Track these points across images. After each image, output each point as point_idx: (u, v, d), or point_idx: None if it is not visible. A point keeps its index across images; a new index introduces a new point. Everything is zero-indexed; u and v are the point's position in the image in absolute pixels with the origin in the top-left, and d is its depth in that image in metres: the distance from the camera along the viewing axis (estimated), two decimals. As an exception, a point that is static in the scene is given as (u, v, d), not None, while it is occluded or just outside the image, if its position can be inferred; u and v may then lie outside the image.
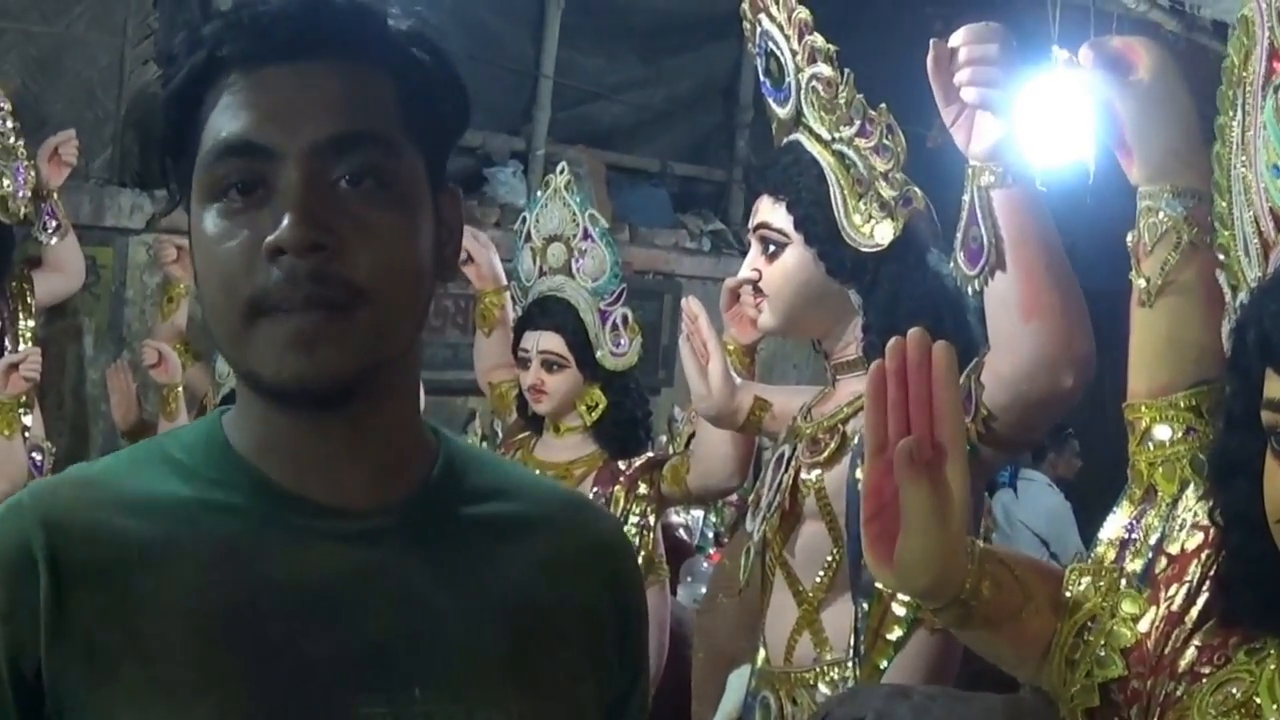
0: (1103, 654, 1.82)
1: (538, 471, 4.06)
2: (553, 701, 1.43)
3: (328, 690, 1.32)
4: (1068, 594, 1.91)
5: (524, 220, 4.29)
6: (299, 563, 1.36)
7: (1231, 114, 1.69)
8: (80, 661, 1.29)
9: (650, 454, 4.18)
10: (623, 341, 4.11)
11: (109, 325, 6.35)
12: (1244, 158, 1.67)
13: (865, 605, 2.69)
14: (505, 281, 4.49)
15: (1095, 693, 1.81)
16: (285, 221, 1.29)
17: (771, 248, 2.87)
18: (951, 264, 2.44)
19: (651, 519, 4.05)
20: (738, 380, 3.32)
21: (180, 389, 5.27)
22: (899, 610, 2.65)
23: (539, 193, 4.31)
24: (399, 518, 1.41)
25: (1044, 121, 2.82)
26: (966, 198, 2.32)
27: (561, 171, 4.26)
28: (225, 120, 1.33)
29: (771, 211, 2.87)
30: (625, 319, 4.12)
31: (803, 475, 2.84)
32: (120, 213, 6.32)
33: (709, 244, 8.80)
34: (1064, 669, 1.86)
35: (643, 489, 4.05)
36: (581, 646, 1.48)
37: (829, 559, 2.81)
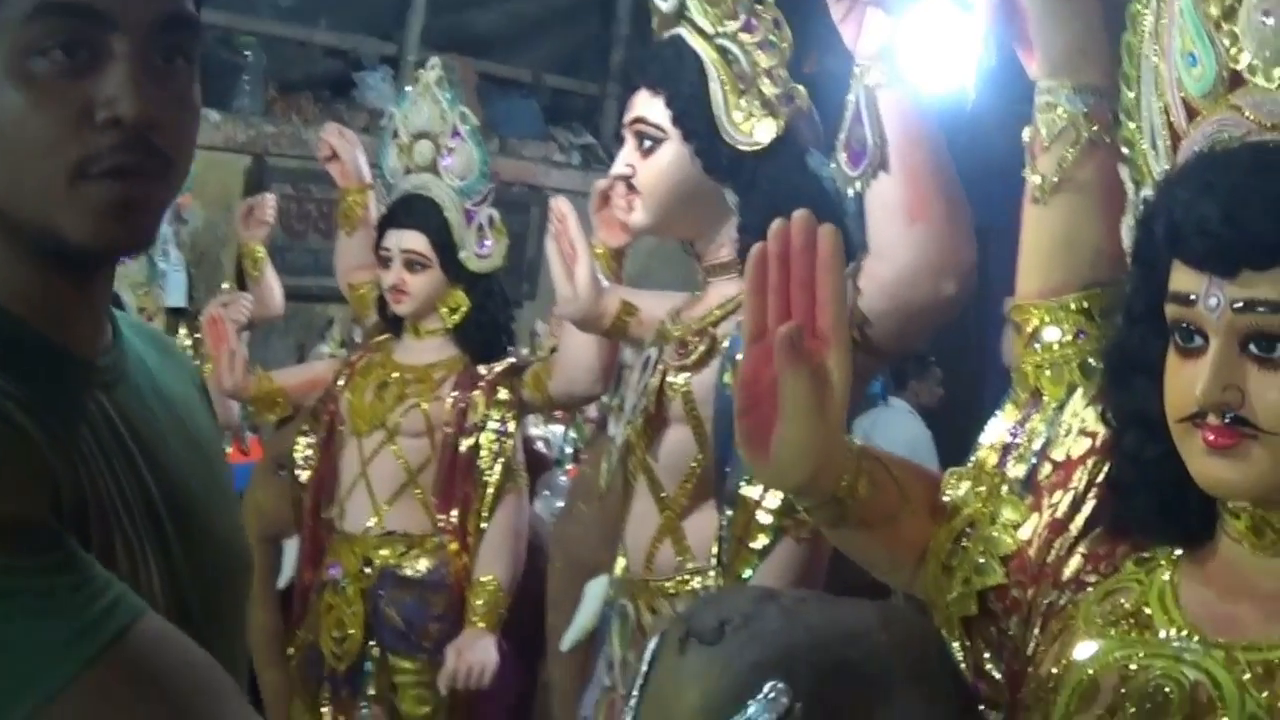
0: (981, 561, 1.75)
1: (395, 374, 3.98)
2: (219, 467, 1.65)
3: (155, 522, 1.43)
4: (946, 498, 1.83)
5: (391, 117, 4.16)
6: (100, 409, 1.43)
7: (1145, 2, 1.62)
8: None
9: (512, 359, 4.09)
10: (487, 243, 4.02)
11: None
12: (1156, 46, 1.60)
13: (729, 513, 2.61)
14: (370, 180, 4.37)
15: (973, 600, 1.74)
16: (125, 93, 1.32)
17: (647, 143, 2.76)
18: (832, 165, 2.36)
19: (511, 425, 3.98)
20: (604, 284, 3.23)
21: None
22: (764, 518, 2.56)
23: (409, 89, 4.18)
24: (118, 366, 1.50)
25: (927, 42, 2.74)
26: (851, 97, 2.25)
27: (433, 67, 4.14)
28: None
29: (648, 106, 2.76)
30: (491, 220, 4.02)
31: (669, 378, 2.75)
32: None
33: (579, 158, 8.70)
34: (940, 575, 1.79)
35: (503, 394, 3.97)
36: (221, 452, 1.76)
37: (693, 465, 2.73)
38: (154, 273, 5.27)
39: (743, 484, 2.58)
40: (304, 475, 4.14)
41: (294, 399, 4.39)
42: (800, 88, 2.69)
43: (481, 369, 4.02)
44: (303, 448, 4.17)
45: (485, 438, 3.95)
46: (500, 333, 4.10)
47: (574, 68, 9.10)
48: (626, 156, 2.81)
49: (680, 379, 2.73)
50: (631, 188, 2.80)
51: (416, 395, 3.99)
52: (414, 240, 3.96)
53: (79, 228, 1.35)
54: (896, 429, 8.22)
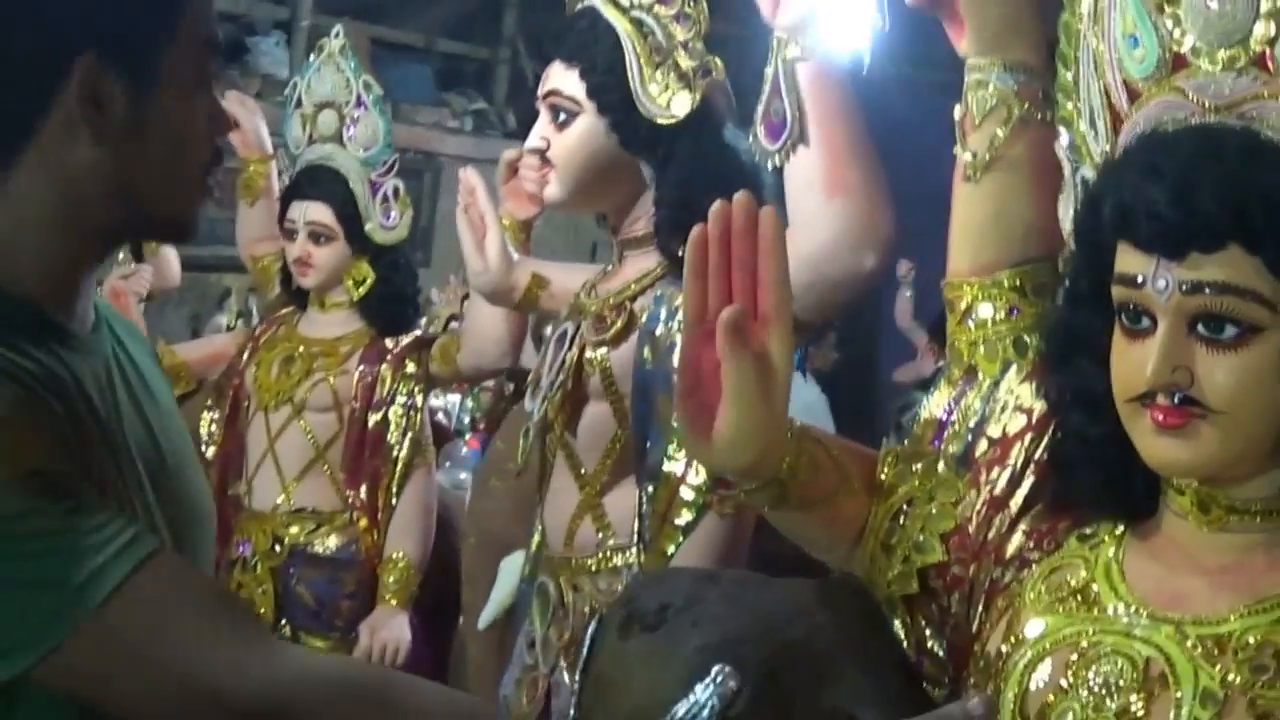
0: (921, 539, 1.74)
1: (301, 348, 3.94)
2: (183, 431, 1.84)
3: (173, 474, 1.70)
4: (882, 476, 1.83)
5: (294, 86, 4.10)
6: (98, 382, 1.64)
7: (1083, -19, 1.61)
8: None
9: (418, 332, 4.06)
10: (393, 214, 3.99)
11: None
12: (1096, 28, 1.59)
13: (650, 489, 2.60)
14: (271, 150, 4.31)
15: (914, 578, 1.74)
16: (219, 110, 1.69)
17: (562, 116, 2.73)
18: (750, 138, 2.33)
19: (419, 399, 3.96)
20: (515, 256, 3.21)
21: None
22: (687, 494, 2.55)
23: (312, 57, 4.12)
24: (99, 339, 1.70)
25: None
26: (770, 70, 2.23)
27: (336, 36, 4.09)
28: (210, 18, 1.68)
29: (563, 78, 2.74)
30: (396, 191, 3.99)
31: (588, 354, 2.73)
32: None
33: (471, 124, 8.65)
34: (879, 553, 1.78)
35: (410, 368, 3.94)
36: (169, 391, 1.87)
37: (612, 440, 2.71)
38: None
39: (665, 460, 2.57)
40: (209, 452, 4.08)
41: (197, 373, 4.34)
42: (717, 60, 2.67)
43: (388, 342, 3.99)
44: (207, 424, 4.10)
45: (394, 412, 3.92)
46: (406, 305, 4.07)
47: (466, 32, 9.04)
48: (541, 130, 2.78)
49: (599, 354, 2.72)
50: (546, 161, 2.77)
51: (323, 369, 3.95)
52: (319, 212, 3.92)
53: (194, 212, 1.68)
54: (792, 394, 8.21)
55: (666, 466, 2.57)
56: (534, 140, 2.78)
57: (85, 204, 1.60)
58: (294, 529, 3.91)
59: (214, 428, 4.09)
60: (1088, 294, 1.51)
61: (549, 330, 2.99)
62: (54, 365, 1.56)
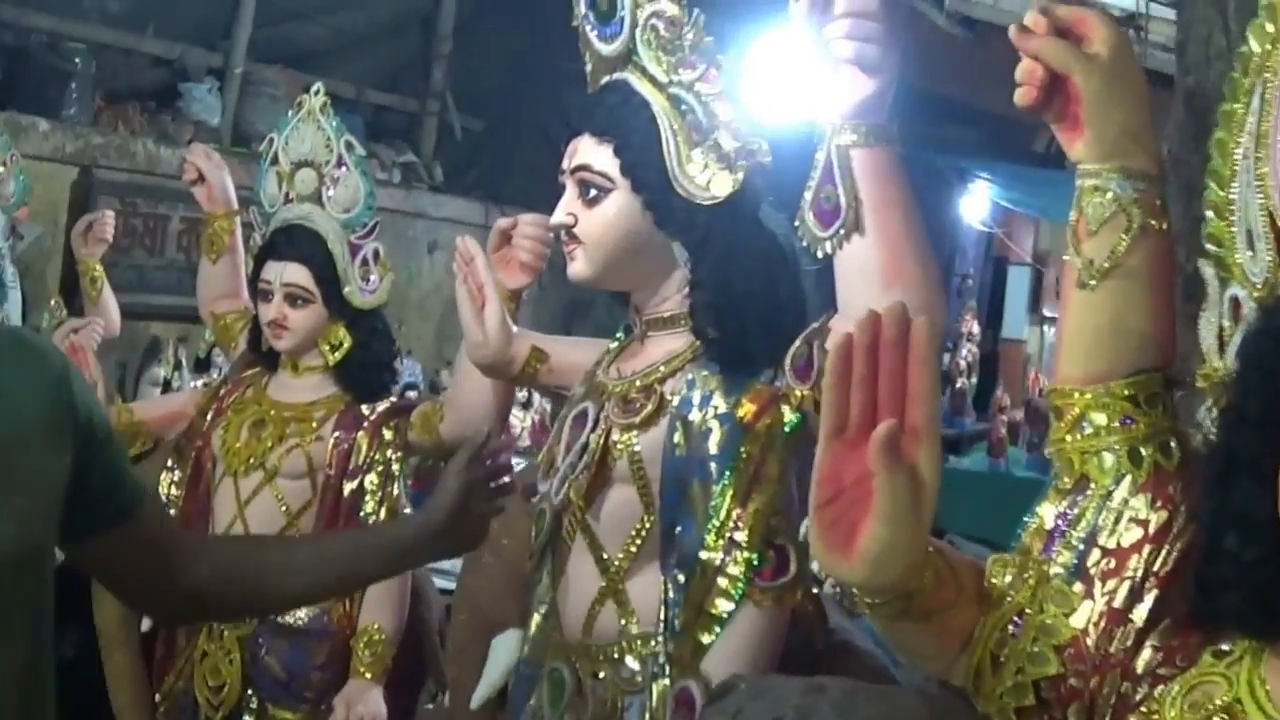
0: (1035, 650, 1.71)
1: (272, 412, 3.84)
2: (36, 490, 1.89)
3: None
4: (990, 585, 1.79)
5: (270, 142, 4.01)
6: None
7: (1245, 102, 1.59)
8: None
9: (394, 399, 3.96)
10: (373, 278, 3.89)
11: None
12: (1261, 150, 1.56)
13: (682, 577, 2.54)
14: (236, 205, 4.22)
15: (1029, 690, 1.70)
16: None
17: (592, 192, 2.67)
18: (797, 222, 2.28)
19: (396, 468, 3.84)
20: (514, 328, 3.14)
21: None
22: (724, 584, 2.50)
23: (290, 113, 4.03)
24: None
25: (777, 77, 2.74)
26: (821, 155, 2.19)
27: (316, 93, 3.99)
28: None
29: (594, 153, 2.68)
30: (376, 254, 3.90)
31: (615, 436, 2.67)
32: None
33: (399, 175, 8.57)
34: (988, 664, 1.74)
35: (388, 435, 3.84)
36: (44, 445, 1.92)
37: (638, 526, 2.65)
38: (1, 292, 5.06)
39: (702, 549, 2.52)
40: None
41: (154, 432, 4.22)
42: (762, 141, 2.62)
43: (364, 408, 3.88)
44: (167, 485, 3.96)
45: (369, 480, 3.80)
46: (384, 371, 3.95)
47: (395, 84, 8.98)
48: (568, 204, 2.72)
49: (627, 437, 2.65)
50: (573, 237, 2.71)
51: (296, 435, 3.84)
52: (296, 273, 3.82)
53: None
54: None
55: (703, 555, 2.52)
56: (561, 215, 2.72)
57: None
58: (265, 603, 3.77)
59: (174, 490, 3.96)
60: (1257, 417, 1.48)
61: (564, 409, 2.92)
62: None
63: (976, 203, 13.47)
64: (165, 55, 7.42)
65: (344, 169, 3.88)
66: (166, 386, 6.39)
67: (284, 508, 3.81)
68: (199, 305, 4.36)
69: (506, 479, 2.65)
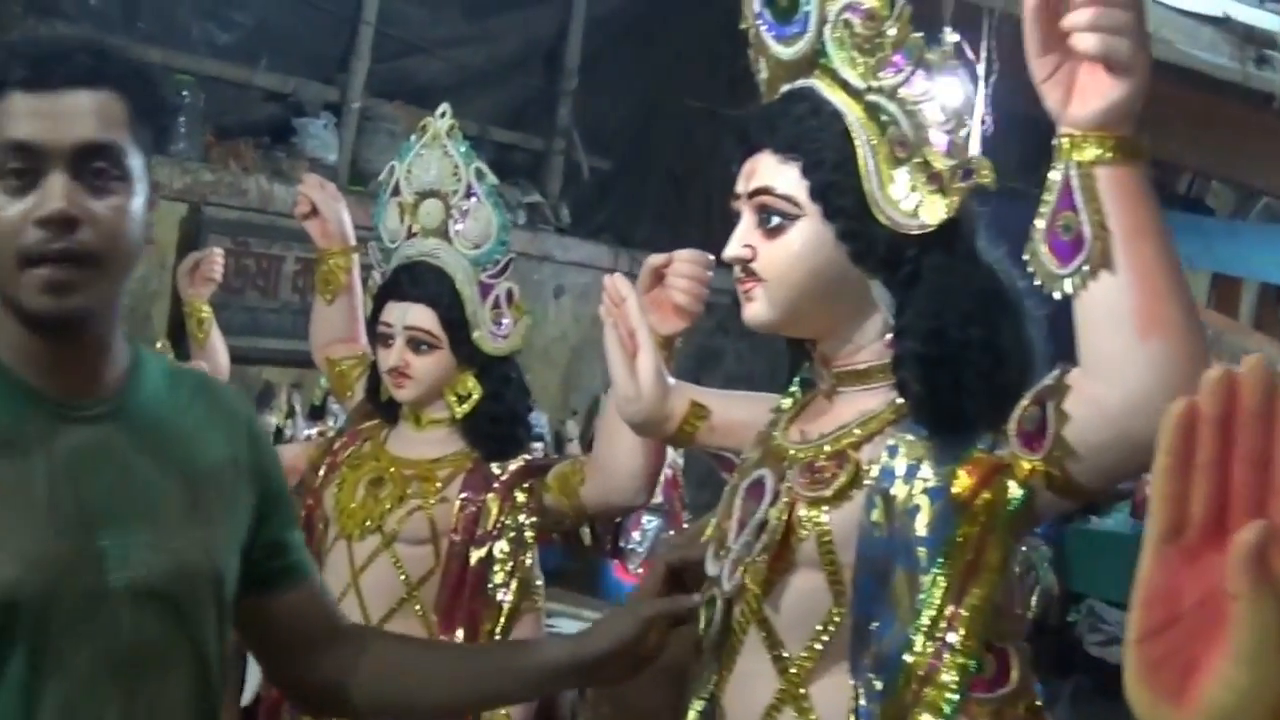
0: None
1: (392, 469, 3.45)
2: (221, 524, 2.10)
3: (75, 529, 1.91)
4: None
5: (390, 170, 3.63)
6: (51, 441, 1.93)
7: None
8: None
9: (528, 457, 3.54)
10: (505, 321, 3.50)
11: None
12: None
13: (879, 684, 2.11)
14: (354, 241, 3.84)
15: None
16: (50, 201, 1.86)
17: (775, 220, 2.24)
18: (1026, 256, 1.88)
19: (529, 535, 3.43)
20: (671, 380, 2.74)
21: None
22: (934, 694, 2.06)
23: (413, 139, 3.65)
24: (112, 406, 2.01)
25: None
26: (1057, 175, 1.82)
27: (442, 115, 3.61)
28: (11, 124, 1.89)
29: (776, 174, 2.24)
30: (510, 295, 3.50)
31: (799, 512, 2.24)
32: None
33: (524, 217, 8.22)
34: None
35: (521, 498, 3.43)
36: (231, 480, 2.13)
37: (825, 620, 2.22)
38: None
39: (906, 651, 2.08)
40: (276, 578, 3.59)
41: None
42: (983, 159, 2.18)
43: (494, 468, 3.48)
44: (275, 546, 3.60)
45: (499, 549, 3.40)
46: (517, 425, 3.55)
47: (519, 121, 8.65)
48: (745, 235, 2.29)
49: (814, 514, 2.22)
50: (751, 274, 2.28)
51: (419, 496, 3.45)
52: (421, 316, 3.43)
53: (28, 301, 1.90)
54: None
55: (907, 658, 2.07)
56: (736, 248, 2.29)
57: None
58: (379, 678, 3.38)
59: (280, 552, 3.59)
60: None
61: (735, 477, 2.50)
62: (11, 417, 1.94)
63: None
64: (279, 89, 7.15)
65: (474, 199, 3.51)
66: (279, 435, 6.08)
67: (403, 576, 3.43)
68: (312, 350, 4.01)
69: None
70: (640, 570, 6.78)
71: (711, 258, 2.87)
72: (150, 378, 2.10)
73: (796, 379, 2.55)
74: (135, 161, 1.96)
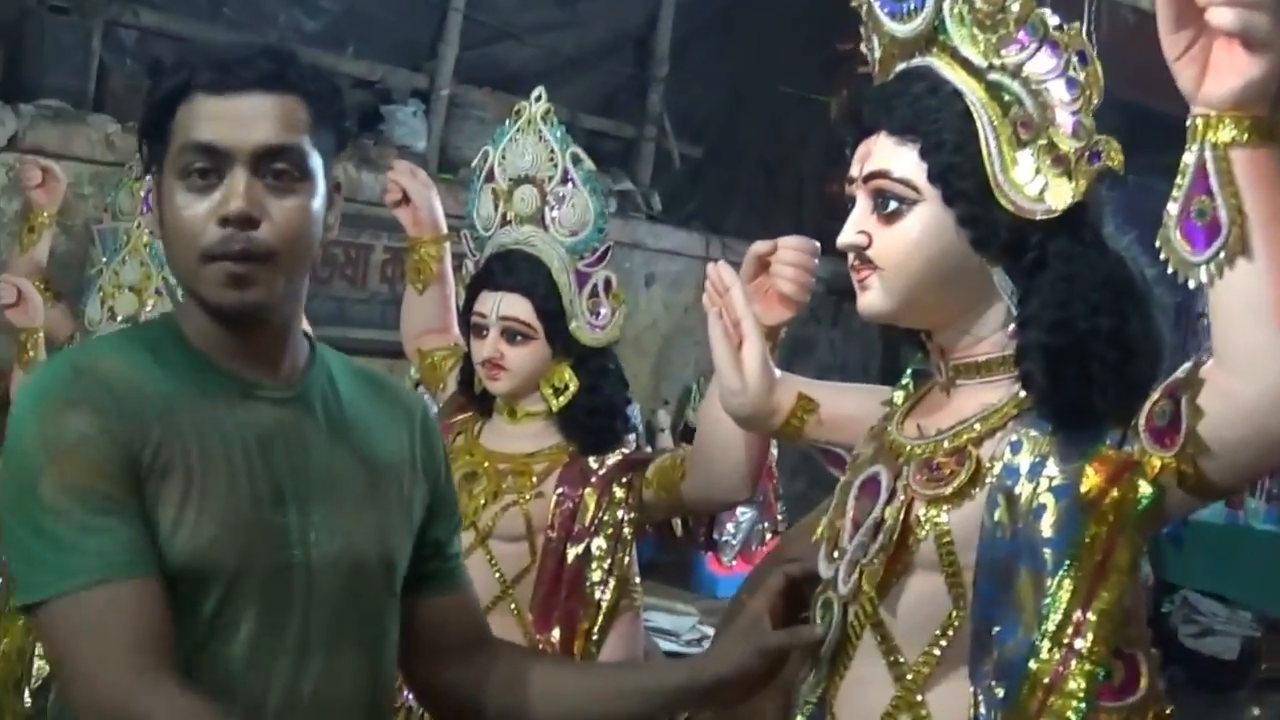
0: None
1: (486, 464, 3.36)
2: (395, 511, 2.21)
3: (264, 502, 2.03)
4: None
5: (484, 156, 3.54)
6: (241, 417, 2.05)
7: None
8: (154, 473, 1.96)
9: (625, 451, 3.45)
10: (603, 311, 3.40)
11: (-43, 255, 5.48)
12: None
13: (1000, 691, 2.02)
14: (445, 229, 3.75)
15: None
16: (232, 201, 1.97)
17: (892, 205, 2.13)
18: (1158, 242, 1.78)
19: (628, 532, 3.33)
20: (777, 372, 2.64)
21: (40, 334, 4.46)
22: (1060, 702, 1.96)
23: (507, 124, 3.56)
24: (294, 392, 2.12)
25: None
26: (1191, 158, 1.73)
27: (538, 99, 3.52)
28: (196, 126, 2.00)
29: (893, 157, 2.14)
30: (608, 284, 3.40)
31: (917, 511, 2.13)
32: (-25, 128, 5.47)
33: (615, 205, 8.11)
34: None
35: (619, 493, 3.33)
36: (406, 473, 2.25)
37: (945, 624, 2.12)
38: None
39: (1032, 658, 1.98)
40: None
41: None
42: (1112, 141, 2.06)
43: (592, 462, 3.39)
44: (363, 544, 3.53)
45: (597, 546, 3.31)
46: (615, 418, 3.45)
47: (610, 108, 8.53)
48: (860, 221, 2.19)
49: (933, 513, 2.12)
50: (867, 261, 2.18)
51: (514, 492, 3.36)
52: (516, 306, 3.34)
53: (210, 294, 2.02)
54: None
55: (1033, 665, 1.98)
56: (851, 235, 2.19)
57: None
58: (473, 677, 3.29)
59: (371, 549, 3.52)
60: None
61: (847, 473, 2.40)
62: (208, 396, 2.04)
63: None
64: (367, 76, 7.05)
65: (570, 185, 3.42)
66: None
67: (498, 574, 3.35)
68: (403, 340, 3.93)
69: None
70: (734, 563, 6.70)
71: (818, 245, 2.78)
72: (329, 370, 2.21)
73: (908, 371, 2.46)
74: (315, 163, 2.05)
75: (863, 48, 2.37)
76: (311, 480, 2.08)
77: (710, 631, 5.79)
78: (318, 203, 2.06)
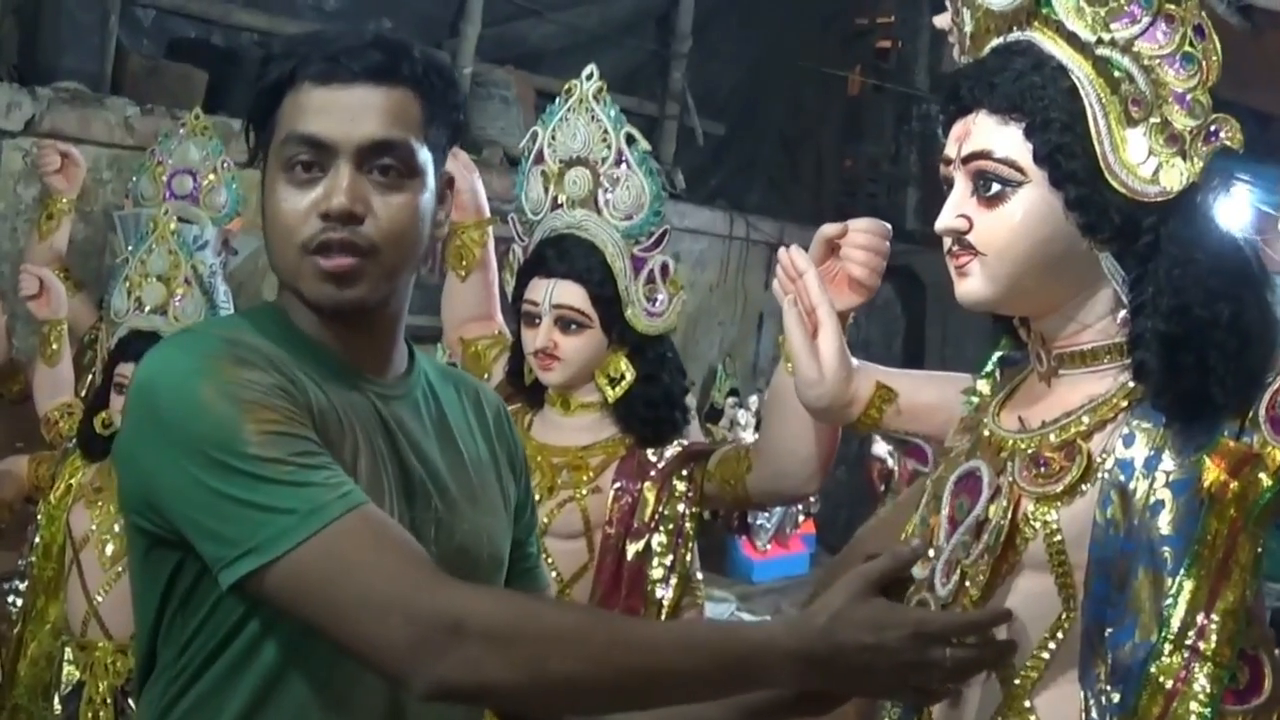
0: None
1: (539, 458, 3.25)
2: (498, 511, 2.21)
3: (396, 495, 2.00)
4: None
5: (534, 137, 3.43)
6: (367, 406, 2.03)
7: None
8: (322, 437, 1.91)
9: (684, 441, 3.34)
10: (660, 297, 3.30)
11: (-28, 244, 5.37)
12: None
13: (1116, 695, 1.92)
14: (488, 214, 3.64)
15: None
16: (335, 196, 1.94)
17: (995, 187, 2.02)
18: None
19: (689, 526, 3.22)
20: (854, 360, 2.54)
21: (65, 326, 4.36)
22: (1184, 707, 1.88)
23: (557, 103, 3.45)
24: (402, 389, 2.12)
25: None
26: None
27: (589, 78, 3.41)
28: (302, 117, 1.96)
29: (995, 136, 2.03)
30: (665, 269, 3.29)
31: (1025, 508, 2.03)
32: (-6, 111, 5.36)
33: (639, 184, 8.06)
34: None
35: (680, 486, 3.22)
36: (496, 470, 2.25)
37: (1054, 625, 2.03)
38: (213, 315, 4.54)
39: (1151, 660, 1.89)
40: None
41: None
42: (1230, 119, 1.95)
43: (650, 454, 3.28)
44: (414, 541, 3.42)
45: (657, 541, 3.21)
46: (674, 408, 3.34)
47: (631, 85, 8.41)
48: (959, 204, 2.08)
49: (1043, 511, 2.02)
50: (967, 246, 2.07)
51: (570, 486, 3.27)
52: (569, 293, 3.24)
53: (308, 289, 1.98)
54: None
55: (1152, 668, 1.90)
56: (950, 219, 2.08)
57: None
58: (529, 677, 3.19)
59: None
60: None
61: (938, 467, 2.29)
62: (331, 383, 1.99)
63: (1235, 208, 12.69)
64: (389, 55, 6.93)
65: (624, 167, 3.32)
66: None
67: (554, 573, 3.25)
68: (445, 329, 3.83)
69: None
70: (769, 548, 6.60)
71: (888, 226, 2.68)
72: (426, 370, 2.20)
73: (992, 358, 2.36)
74: (424, 158, 2.00)
75: (945, 21, 2.27)
76: (424, 478, 2.05)
77: (748, 617, 5.70)
78: (426, 199, 2.01)
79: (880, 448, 6.73)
